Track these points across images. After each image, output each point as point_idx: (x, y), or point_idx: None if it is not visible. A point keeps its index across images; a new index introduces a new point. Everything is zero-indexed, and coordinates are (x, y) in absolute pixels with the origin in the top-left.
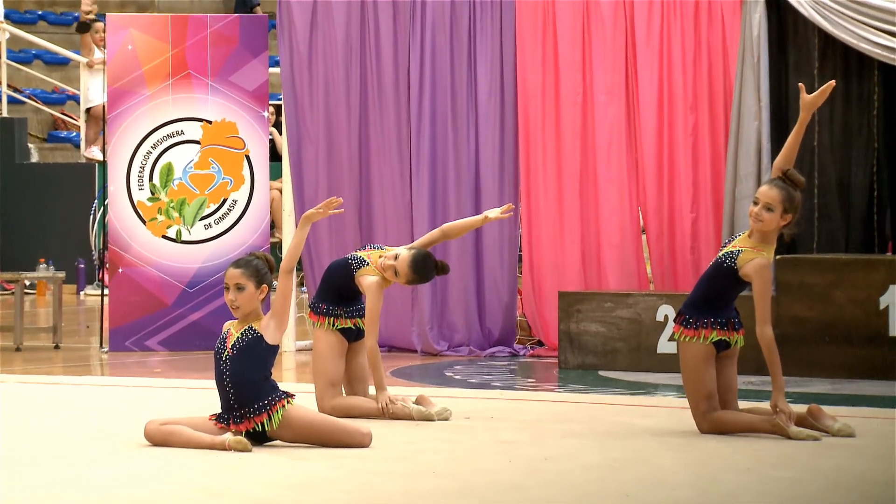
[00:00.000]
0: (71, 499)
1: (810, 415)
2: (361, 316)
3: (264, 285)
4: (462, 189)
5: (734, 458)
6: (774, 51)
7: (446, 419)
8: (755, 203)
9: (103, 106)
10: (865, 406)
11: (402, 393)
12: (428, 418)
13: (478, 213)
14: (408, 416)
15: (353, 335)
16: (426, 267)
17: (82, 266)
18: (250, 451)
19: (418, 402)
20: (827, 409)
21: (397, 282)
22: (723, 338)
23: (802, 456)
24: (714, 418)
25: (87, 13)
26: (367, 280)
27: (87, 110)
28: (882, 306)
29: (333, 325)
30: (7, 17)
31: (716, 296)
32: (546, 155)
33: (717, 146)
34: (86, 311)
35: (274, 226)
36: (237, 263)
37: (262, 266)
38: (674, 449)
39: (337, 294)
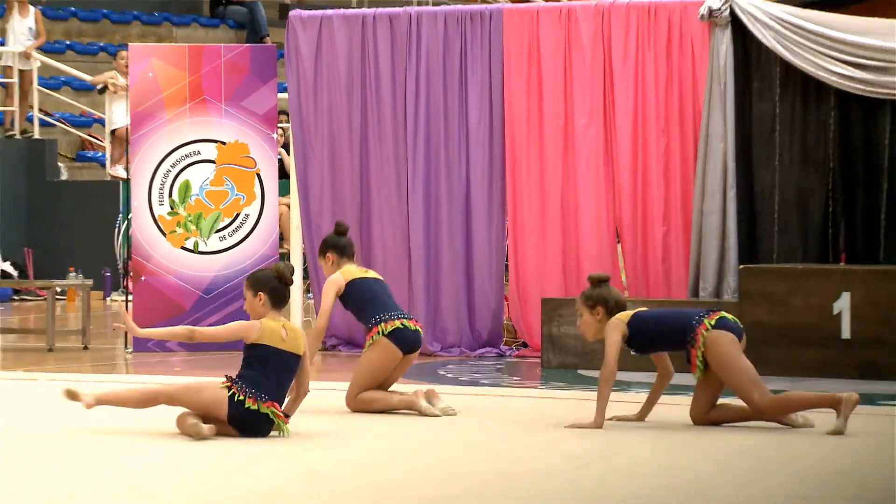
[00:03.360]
0: (100, 486)
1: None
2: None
3: (260, 293)
4: (454, 204)
5: (701, 449)
6: (740, 78)
7: (452, 415)
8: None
9: (127, 128)
10: None
11: (401, 389)
12: (433, 415)
13: (468, 226)
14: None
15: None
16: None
17: (108, 274)
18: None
19: (427, 395)
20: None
21: None
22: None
23: (763, 446)
24: (775, 400)
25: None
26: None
27: (112, 132)
28: (835, 312)
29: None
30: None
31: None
32: (530, 173)
33: (687, 165)
34: (111, 316)
35: (283, 238)
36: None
37: (260, 276)
38: (646, 440)
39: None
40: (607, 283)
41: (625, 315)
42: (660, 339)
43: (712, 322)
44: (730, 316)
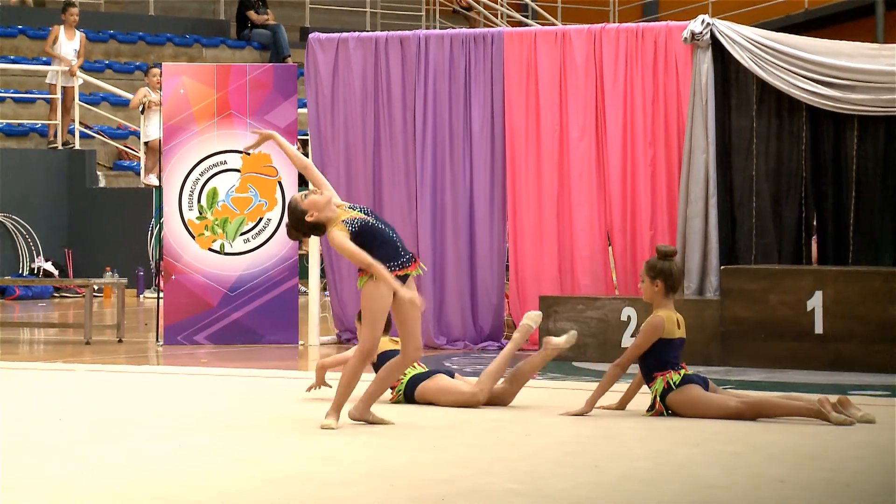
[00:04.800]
0: (132, 470)
1: (840, 404)
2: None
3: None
4: (459, 210)
5: (686, 435)
6: (720, 95)
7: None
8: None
9: (159, 140)
10: (793, 392)
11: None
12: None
13: (472, 230)
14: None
15: None
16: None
17: (141, 273)
18: None
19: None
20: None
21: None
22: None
23: (745, 433)
24: (755, 402)
25: (141, 102)
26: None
27: (146, 144)
28: (809, 308)
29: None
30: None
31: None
32: (529, 182)
33: (672, 174)
34: (144, 312)
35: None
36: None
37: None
38: (635, 427)
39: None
40: (672, 258)
41: (671, 323)
42: (650, 362)
43: (681, 373)
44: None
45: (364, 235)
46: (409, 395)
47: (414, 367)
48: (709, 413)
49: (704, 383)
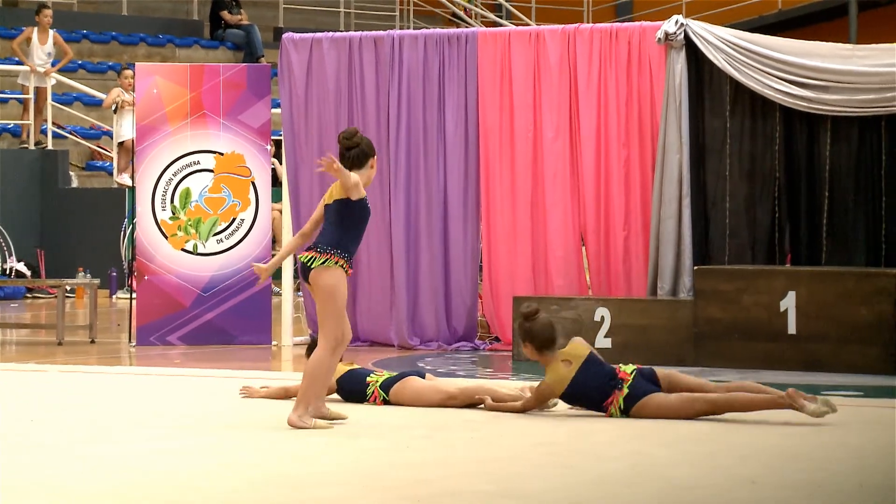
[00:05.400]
0: (103, 471)
1: (789, 397)
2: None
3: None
4: (432, 211)
5: (660, 436)
6: (693, 95)
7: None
8: None
9: (132, 140)
10: None
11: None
12: None
13: (446, 231)
14: None
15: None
16: None
17: (114, 274)
18: None
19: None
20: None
21: None
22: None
23: (718, 433)
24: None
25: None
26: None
27: (119, 144)
28: (782, 309)
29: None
30: (52, 64)
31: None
32: (503, 182)
33: (646, 175)
34: (117, 312)
35: (275, 241)
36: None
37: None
38: (609, 428)
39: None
40: (533, 318)
41: (560, 382)
42: (584, 401)
43: (625, 389)
44: (631, 371)
45: (360, 212)
46: (385, 401)
47: (382, 373)
48: (677, 416)
49: (652, 379)
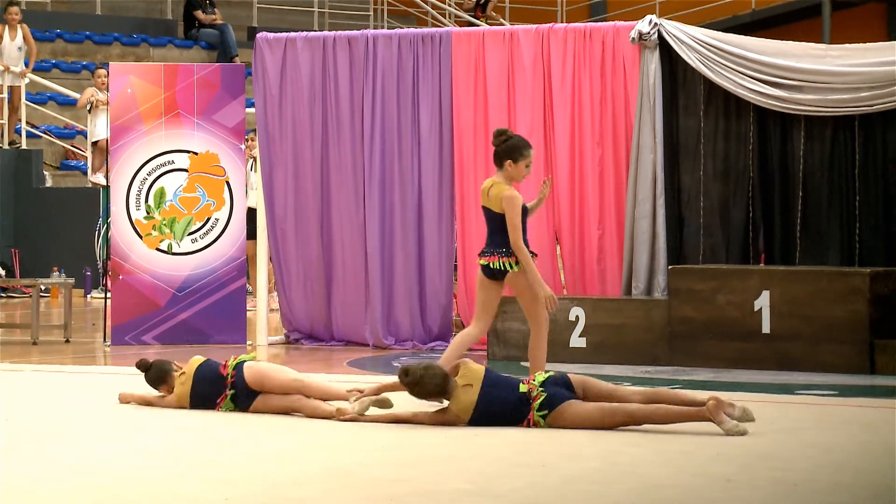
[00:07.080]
0: (82, 471)
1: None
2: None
3: None
4: (407, 209)
5: (635, 435)
6: (667, 95)
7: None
8: None
9: (107, 140)
10: (741, 391)
11: (357, 380)
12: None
13: (420, 230)
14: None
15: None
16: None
17: (89, 273)
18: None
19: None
20: (719, 394)
21: None
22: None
23: (691, 432)
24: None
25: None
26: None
27: (94, 143)
28: (756, 308)
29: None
30: (25, 64)
31: None
32: (477, 181)
33: (620, 174)
34: (92, 312)
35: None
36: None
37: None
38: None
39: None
40: (411, 375)
41: (465, 411)
42: (498, 423)
43: (538, 404)
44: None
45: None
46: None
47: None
48: (594, 426)
49: (567, 385)
